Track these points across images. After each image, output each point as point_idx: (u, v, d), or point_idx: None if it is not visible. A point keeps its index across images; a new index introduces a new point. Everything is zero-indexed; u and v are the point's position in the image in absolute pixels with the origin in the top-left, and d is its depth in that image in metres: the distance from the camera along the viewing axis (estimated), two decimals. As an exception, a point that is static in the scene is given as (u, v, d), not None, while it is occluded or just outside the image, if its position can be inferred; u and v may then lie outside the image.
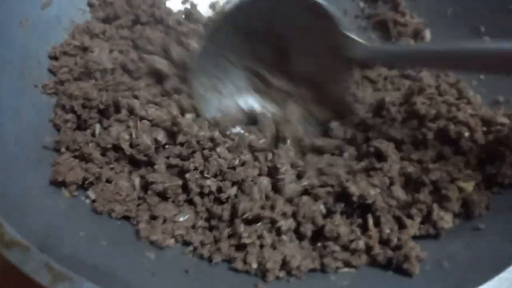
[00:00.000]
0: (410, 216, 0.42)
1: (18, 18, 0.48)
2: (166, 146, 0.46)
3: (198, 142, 0.44)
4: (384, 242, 0.41)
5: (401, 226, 0.41)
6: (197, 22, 0.59)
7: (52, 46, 0.51)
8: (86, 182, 0.43)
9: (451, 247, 0.39)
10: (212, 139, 0.45)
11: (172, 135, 0.45)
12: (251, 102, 0.53)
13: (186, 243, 0.42)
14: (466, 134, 0.47)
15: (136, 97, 0.47)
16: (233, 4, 0.47)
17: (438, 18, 0.60)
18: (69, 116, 0.47)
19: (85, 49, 0.52)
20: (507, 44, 0.37)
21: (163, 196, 0.44)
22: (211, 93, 0.51)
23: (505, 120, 0.46)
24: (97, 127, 0.47)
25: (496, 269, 0.33)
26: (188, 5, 0.61)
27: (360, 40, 0.47)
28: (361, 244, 0.40)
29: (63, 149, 0.45)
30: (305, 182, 0.44)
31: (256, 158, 0.46)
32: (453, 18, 0.59)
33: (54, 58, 0.51)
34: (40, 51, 0.50)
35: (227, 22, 0.48)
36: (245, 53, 0.51)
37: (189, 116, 0.48)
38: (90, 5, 0.57)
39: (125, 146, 0.44)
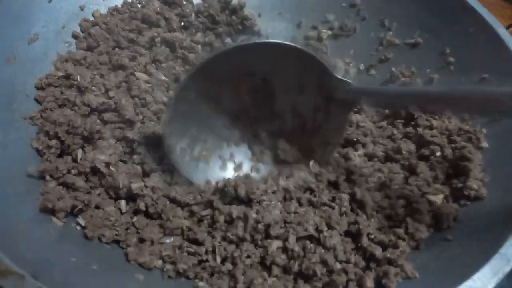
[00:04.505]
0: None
1: (5, 55, 0.50)
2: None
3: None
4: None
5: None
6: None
7: (38, 78, 0.53)
8: (76, 209, 0.44)
9: (422, 258, 0.42)
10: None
11: None
12: (238, 156, 0.52)
13: (173, 263, 0.44)
14: (438, 153, 0.50)
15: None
16: (205, 58, 0.45)
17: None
18: (53, 142, 0.48)
19: (68, 77, 0.53)
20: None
21: (150, 215, 0.46)
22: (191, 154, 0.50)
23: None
24: (79, 152, 0.48)
25: (461, 278, 0.35)
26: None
27: (348, 80, 0.47)
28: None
29: (48, 177, 0.46)
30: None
31: None
32: (422, 42, 0.64)
33: (40, 88, 0.53)
34: (27, 85, 0.51)
35: (199, 76, 0.45)
36: (226, 99, 0.49)
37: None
38: (75, 37, 0.59)
39: (101, 166, 0.46)
